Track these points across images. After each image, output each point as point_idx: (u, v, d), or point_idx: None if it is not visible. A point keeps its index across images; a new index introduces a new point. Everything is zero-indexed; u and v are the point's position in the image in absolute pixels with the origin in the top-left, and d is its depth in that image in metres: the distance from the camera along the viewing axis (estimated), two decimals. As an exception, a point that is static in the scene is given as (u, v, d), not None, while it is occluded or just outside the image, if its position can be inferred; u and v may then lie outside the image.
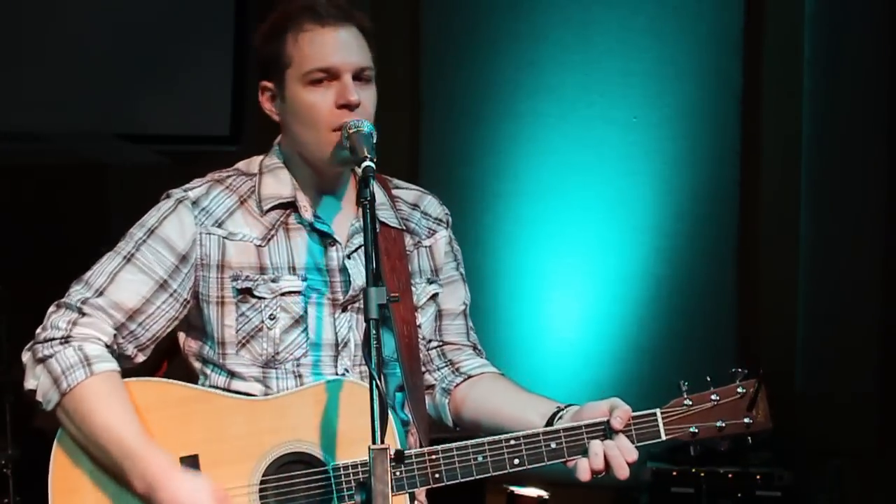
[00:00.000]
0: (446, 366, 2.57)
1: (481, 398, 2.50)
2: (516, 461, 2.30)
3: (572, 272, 5.59)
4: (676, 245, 5.52)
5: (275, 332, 2.37)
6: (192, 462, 2.30)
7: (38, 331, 2.35)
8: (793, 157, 5.38)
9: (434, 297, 2.54)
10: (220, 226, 2.39)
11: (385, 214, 2.48)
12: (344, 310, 2.41)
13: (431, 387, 2.56)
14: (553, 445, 2.29)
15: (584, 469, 2.28)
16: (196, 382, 2.44)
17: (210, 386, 2.40)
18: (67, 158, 6.27)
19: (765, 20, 5.42)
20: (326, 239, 2.42)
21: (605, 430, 2.29)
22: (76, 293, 2.36)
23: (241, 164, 2.51)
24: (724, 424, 2.32)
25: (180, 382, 2.38)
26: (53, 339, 2.32)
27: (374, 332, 2.02)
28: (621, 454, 2.27)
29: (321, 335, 2.39)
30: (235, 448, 2.31)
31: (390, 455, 1.98)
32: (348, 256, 2.42)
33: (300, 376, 2.37)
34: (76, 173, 6.23)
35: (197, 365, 2.45)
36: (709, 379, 2.35)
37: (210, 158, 2.88)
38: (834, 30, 5.36)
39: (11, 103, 5.91)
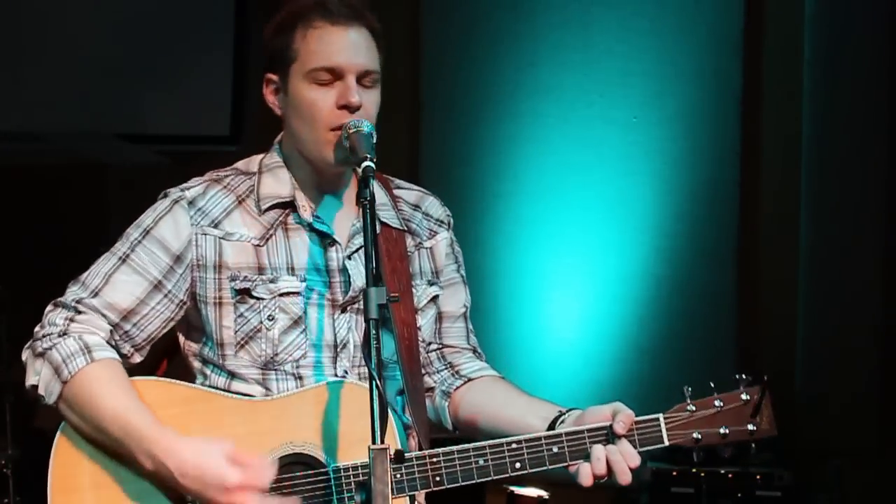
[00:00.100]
0: (446, 368, 2.55)
1: (481, 401, 2.49)
2: (518, 465, 2.28)
3: (572, 272, 5.59)
4: (676, 245, 5.51)
5: (273, 333, 2.36)
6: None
7: (37, 329, 2.36)
8: (793, 158, 5.38)
9: (434, 299, 2.53)
10: (216, 226, 2.38)
11: (386, 215, 2.47)
12: (343, 311, 2.40)
13: (431, 389, 2.55)
14: (555, 449, 2.28)
15: (586, 474, 2.27)
16: (195, 382, 2.43)
17: (210, 386, 2.40)
18: (67, 158, 6.27)
19: (765, 20, 5.42)
20: (326, 239, 2.41)
21: (608, 435, 2.28)
22: (72, 293, 2.36)
23: (240, 164, 2.50)
24: (727, 431, 2.30)
25: (182, 382, 2.38)
26: (52, 333, 2.32)
27: (373, 332, 2.01)
28: (624, 459, 2.26)
29: (320, 336, 2.38)
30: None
31: (390, 455, 1.98)
32: (349, 257, 2.41)
33: (300, 378, 2.36)
34: (76, 173, 6.23)
35: (197, 365, 2.45)
36: (713, 384, 2.34)
37: (210, 158, 2.87)
38: (834, 30, 5.36)
39: (11, 103, 5.92)
